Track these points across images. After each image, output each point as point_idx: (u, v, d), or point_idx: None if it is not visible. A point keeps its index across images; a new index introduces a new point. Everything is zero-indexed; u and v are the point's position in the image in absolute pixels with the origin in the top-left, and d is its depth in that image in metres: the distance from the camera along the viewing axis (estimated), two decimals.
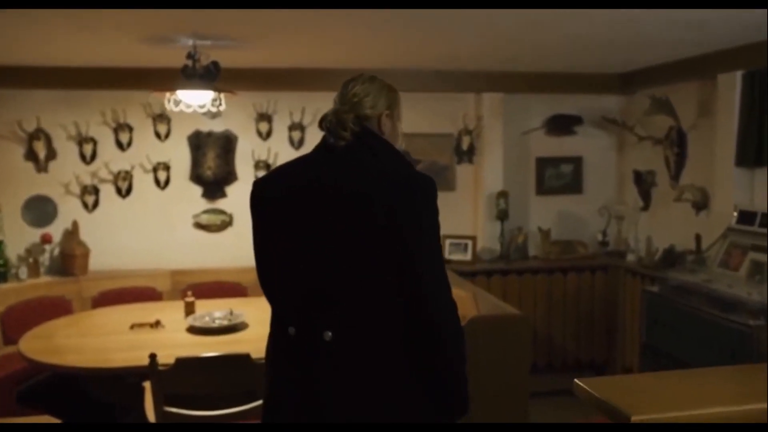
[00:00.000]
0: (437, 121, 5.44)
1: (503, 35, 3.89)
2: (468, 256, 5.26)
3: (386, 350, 1.79)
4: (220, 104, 3.84)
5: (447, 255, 5.32)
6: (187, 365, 2.82)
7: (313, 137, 5.25)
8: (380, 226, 1.73)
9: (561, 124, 5.54)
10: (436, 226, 1.82)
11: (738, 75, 4.21)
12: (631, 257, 5.26)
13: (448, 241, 5.33)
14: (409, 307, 1.76)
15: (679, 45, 4.15)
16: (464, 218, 5.52)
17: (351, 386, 1.78)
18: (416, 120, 5.39)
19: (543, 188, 5.64)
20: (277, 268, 1.90)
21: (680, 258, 4.80)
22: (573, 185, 5.67)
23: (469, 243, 5.29)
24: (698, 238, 4.59)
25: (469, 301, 3.92)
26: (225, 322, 3.80)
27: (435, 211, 1.81)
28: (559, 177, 5.66)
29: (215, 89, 3.76)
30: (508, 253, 5.34)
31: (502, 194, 5.26)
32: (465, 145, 5.44)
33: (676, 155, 4.95)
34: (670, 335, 3.70)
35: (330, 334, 1.77)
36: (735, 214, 4.02)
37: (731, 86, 4.27)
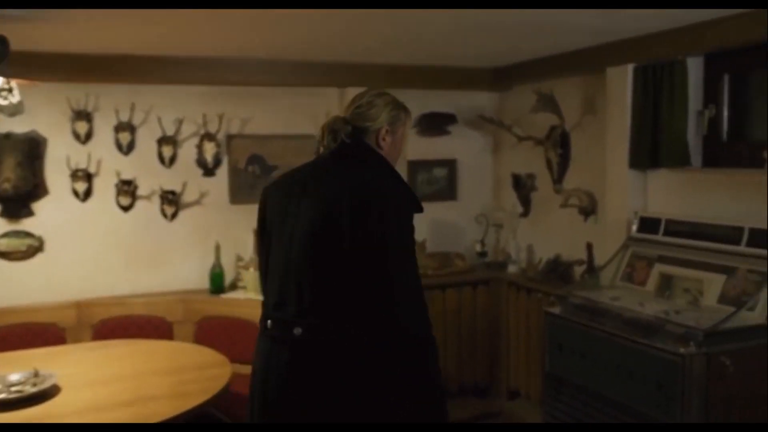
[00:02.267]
0: (296, 120, 4.70)
1: (367, 24, 3.27)
2: None
3: (351, 349, 1.88)
4: (12, 94, 2.86)
5: None
6: None
7: (147, 140, 4.32)
8: (351, 236, 1.85)
9: (433, 124, 5.00)
10: (407, 240, 1.90)
11: (629, 68, 3.85)
12: (512, 268, 4.82)
13: None
14: (378, 312, 1.86)
15: (559, 37, 3.72)
16: None
17: (315, 380, 1.89)
18: (270, 120, 4.64)
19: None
20: (270, 267, 2.05)
21: (568, 269, 4.41)
22: (447, 191, 5.16)
23: None
24: (590, 247, 4.21)
25: None
26: (28, 388, 2.82)
27: (406, 226, 1.90)
28: (432, 182, 5.12)
29: (1, 74, 2.78)
30: None
31: None
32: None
33: (559, 156, 4.56)
34: (580, 364, 3.22)
35: (300, 330, 1.90)
36: (635, 221, 3.63)
37: (622, 81, 3.90)
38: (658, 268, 3.41)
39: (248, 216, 4.55)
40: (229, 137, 4.55)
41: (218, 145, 4.46)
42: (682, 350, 2.72)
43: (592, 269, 4.17)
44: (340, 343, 1.87)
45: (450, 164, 5.13)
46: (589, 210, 4.34)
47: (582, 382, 3.24)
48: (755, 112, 3.58)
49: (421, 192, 5.07)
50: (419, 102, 4.98)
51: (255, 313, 4.19)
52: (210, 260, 4.39)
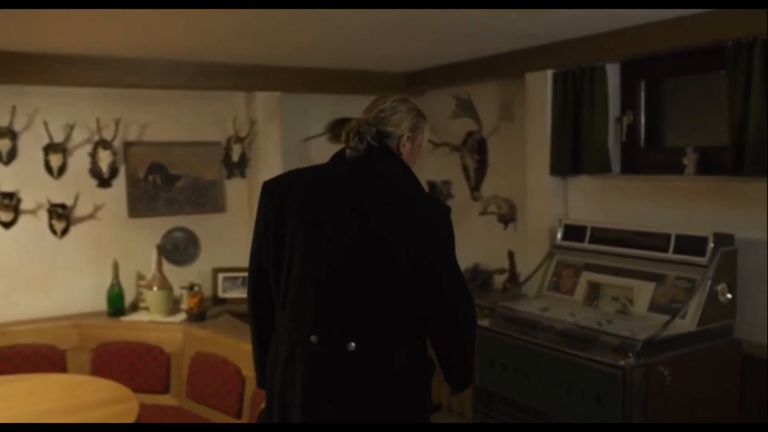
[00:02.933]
0: (200, 126, 4.37)
1: (276, 23, 3.05)
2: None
3: (403, 357, 1.91)
4: None
5: (221, 293, 4.28)
6: None
7: (32, 147, 3.88)
8: (403, 246, 1.85)
9: None
10: (453, 246, 1.94)
11: (549, 74, 3.81)
12: None
13: (221, 276, 4.29)
14: (434, 318, 1.92)
15: (478, 41, 3.62)
16: (239, 246, 4.50)
17: (372, 395, 1.89)
18: (173, 125, 4.30)
19: None
20: (292, 273, 1.93)
21: (489, 278, 4.33)
22: None
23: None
24: (511, 256, 4.14)
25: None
26: None
27: (452, 235, 1.93)
28: None
29: None
30: None
31: None
32: (236, 156, 4.44)
33: (476, 163, 4.48)
34: (513, 379, 3.11)
35: (353, 344, 1.85)
36: (559, 228, 3.57)
37: (542, 86, 3.85)
38: (586, 276, 3.36)
39: (149, 230, 4.19)
40: (127, 144, 4.16)
41: (114, 153, 4.06)
42: (621, 362, 2.65)
43: (514, 278, 4.10)
44: (392, 352, 1.90)
45: None
46: (508, 217, 4.28)
47: (515, 396, 3.13)
48: (670, 119, 3.62)
49: None
50: (331, 107, 4.78)
51: (161, 337, 3.94)
52: (107, 279, 3.98)
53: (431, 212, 1.92)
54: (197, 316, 3.78)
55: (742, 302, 3.00)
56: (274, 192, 2.00)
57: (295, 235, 1.92)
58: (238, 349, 3.32)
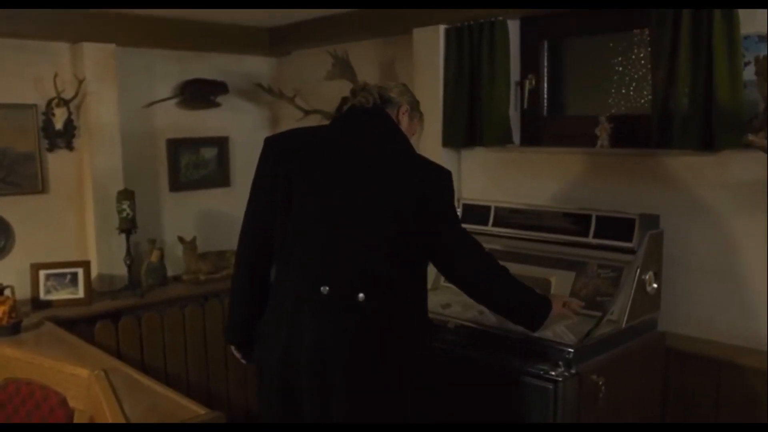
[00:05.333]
0: (8, 84, 3.44)
1: None
2: (79, 293, 3.44)
3: (410, 310, 2.00)
4: None
5: (43, 294, 3.42)
6: None
7: None
8: (411, 206, 1.94)
9: (199, 94, 4.04)
10: (454, 203, 2.12)
11: (441, 30, 3.29)
12: None
13: (42, 273, 3.43)
14: (446, 270, 2.13)
15: None
16: (66, 235, 3.66)
17: (378, 344, 1.92)
18: None
19: (179, 182, 4.08)
20: (299, 226, 1.96)
21: None
22: (218, 176, 4.24)
23: (79, 272, 3.45)
24: None
25: (96, 394, 2.25)
26: None
27: (453, 192, 2.06)
28: (199, 165, 4.17)
29: None
30: (140, 281, 3.68)
31: (126, 194, 3.56)
32: (59, 123, 3.55)
33: None
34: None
35: (362, 295, 1.90)
36: (458, 209, 3.09)
37: (432, 45, 3.33)
38: None
39: None
40: None
41: None
42: (552, 373, 2.21)
43: None
44: (400, 305, 1.96)
45: (221, 143, 4.22)
46: None
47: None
48: (575, 84, 3.24)
49: (186, 178, 4.10)
50: (181, 67, 4.03)
51: None
52: None
53: (433, 170, 2.03)
54: (8, 328, 2.93)
55: (666, 291, 2.67)
56: (277, 148, 2.05)
57: (300, 192, 1.97)
58: (62, 373, 2.55)
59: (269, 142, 2.08)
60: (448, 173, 2.03)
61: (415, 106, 2.18)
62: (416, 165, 2.01)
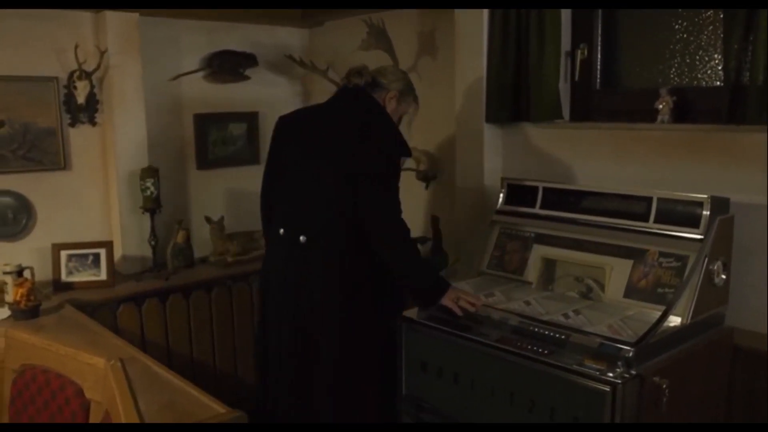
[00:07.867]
0: (28, 55, 3.29)
1: None
2: (101, 275, 3.30)
3: (342, 252, 2.44)
4: None
5: (65, 276, 3.28)
6: None
7: None
8: (347, 171, 2.36)
9: (227, 66, 3.84)
10: (390, 178, 2.40)
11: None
12: None
13: (64, 254, 3.29)
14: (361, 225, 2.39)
15: None
16: (89, 214, 3.52)
17: (317, 278, 2.46)
18: None
19: (206, 159, 3.91)
20: (278, 185, 2.58)
21: None
22: (247, 153, 4.05)
23: (102, 253, 3.31)
24: (436, 222, 3.38)
25: (109, 385, 2.08)
26: None
27: (389, 171, 2.39)
28: (227, 141, 3.99)
29: None
30: (165, 262, 3.52)
31: (150, 172, 3.40)
32: (81, 97, 3.40)
33: None
34: (453, 390, 2.38)
35: (304, 238, 2.45)
36: (502, 189, 2.85)
37: (476, 14, 3.07)
38: (538, 251, 2.66)
39: None
40: None
41: None
42: (610, 374, 1.98)
43: (439, 249, 3.36)
44: (333, 246, 2.44)
45: (250, 118, 4.03)
46: (430, 175, 3.53)
47: (454, 412, 2.41)
48: (632, 53, 2.96)
49: (213, 155, 3.92)
50: (208, 38, 3.85)
51: None
52: None
53: (375, 144, 2.37)
54: (26, 312, 2.80)
55: (734, 283, 2.41)
56: (280, 125, 2.60)
57: (287, 161, 2.53)
58: (79, 361, 2.40)
59: (278, 121, 2.61)
60: (388, 151, 2.39)
61: (406, 91, 2.55)
62: (368, 138, 2.36)
